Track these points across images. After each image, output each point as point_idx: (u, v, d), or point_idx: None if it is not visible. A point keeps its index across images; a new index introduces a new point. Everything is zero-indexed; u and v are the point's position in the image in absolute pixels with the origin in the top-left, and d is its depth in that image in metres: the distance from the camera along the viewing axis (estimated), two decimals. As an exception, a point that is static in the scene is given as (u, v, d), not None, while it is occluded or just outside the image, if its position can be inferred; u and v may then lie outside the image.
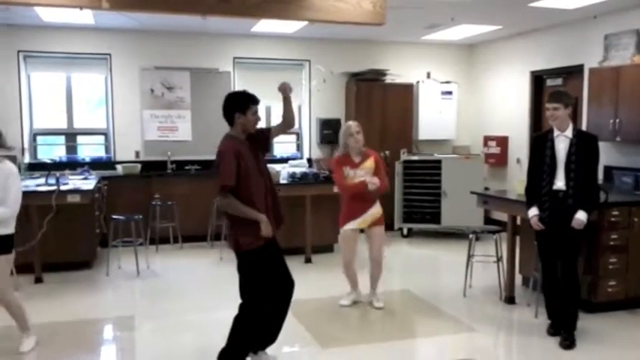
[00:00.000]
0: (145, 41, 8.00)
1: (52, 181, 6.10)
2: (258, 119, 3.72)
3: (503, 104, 8.61)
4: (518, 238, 5.45)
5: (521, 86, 8.20)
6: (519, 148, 8.21)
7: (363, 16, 5.18)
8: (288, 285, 3.80)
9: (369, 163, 5.02)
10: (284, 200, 6.43)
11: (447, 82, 9.00)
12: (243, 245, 3.61)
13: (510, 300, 5.30)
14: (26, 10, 6.20)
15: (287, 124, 3.97)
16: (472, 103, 9.28)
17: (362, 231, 5.11)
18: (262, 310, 3.69)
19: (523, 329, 4.80)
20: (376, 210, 5.05)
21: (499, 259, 5.48)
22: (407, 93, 8.78)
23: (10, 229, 4.05)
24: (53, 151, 8.08)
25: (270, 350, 3.93)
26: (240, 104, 3.64)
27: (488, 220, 8.16)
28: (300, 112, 8.90)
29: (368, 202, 5.01)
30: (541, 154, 4.40)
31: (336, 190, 6.83)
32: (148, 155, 8.13)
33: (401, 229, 8.25)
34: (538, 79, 7.99)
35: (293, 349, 4.30)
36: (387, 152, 8.40)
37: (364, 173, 4.96)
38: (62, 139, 8.11)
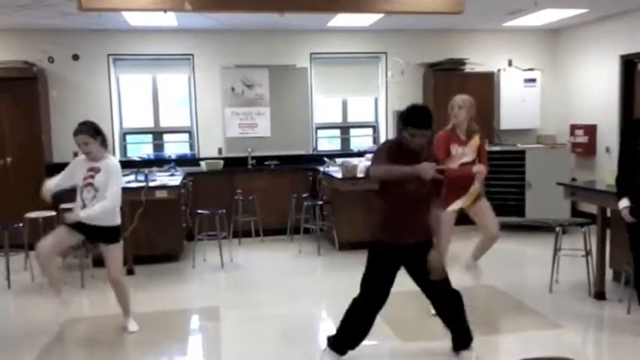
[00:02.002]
0: (225, 40, 8.21)
1: (141, 177, 6.41)
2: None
3: (591, 91, 8.21)
4: (608, 231, 5.20)
5: (610, 71, 7.78)
6: (609, 137, 7.80)
7: (442, 5, 5.09)
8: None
9: (475, 141, 4.90)
10: (362, 194, 6.53)
11: (530, 70, 8.69)
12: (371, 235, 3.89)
13: (600, 295, 5.07)
14: (115, 15, 6.53)
15: None
16: (557, 90, 8.91)
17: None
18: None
19: (614, 326, 4.59)
20: (478, 186, 4.85)
21: (588, 253, 5.24)
22: (487, 82, 8.55)
23: (117, 220, 4.42)
24: (141, 149, 8.47)
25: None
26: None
27: (575, 212, 7.83)
28: (377, 104, 8.87)
29: (472, 179, 4.78)
30: (635, 141, 4.16)
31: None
32: (229, 152, 8.37)
33: (482, 222, 8.05)
34: (629, 64, 7.55)
35: (371, 342, 4.30)
36: (467, 143, 8.20)
37: (471, 152, 4.83)
38: (149, 137, 8.49)
